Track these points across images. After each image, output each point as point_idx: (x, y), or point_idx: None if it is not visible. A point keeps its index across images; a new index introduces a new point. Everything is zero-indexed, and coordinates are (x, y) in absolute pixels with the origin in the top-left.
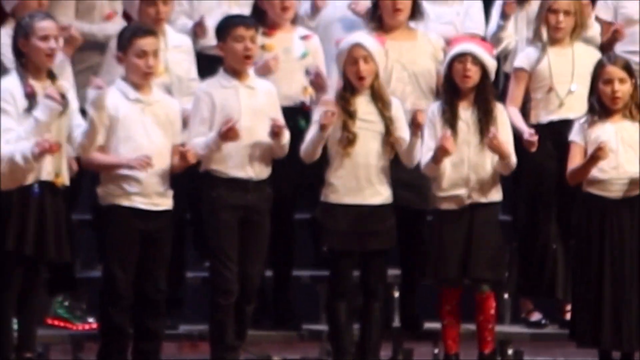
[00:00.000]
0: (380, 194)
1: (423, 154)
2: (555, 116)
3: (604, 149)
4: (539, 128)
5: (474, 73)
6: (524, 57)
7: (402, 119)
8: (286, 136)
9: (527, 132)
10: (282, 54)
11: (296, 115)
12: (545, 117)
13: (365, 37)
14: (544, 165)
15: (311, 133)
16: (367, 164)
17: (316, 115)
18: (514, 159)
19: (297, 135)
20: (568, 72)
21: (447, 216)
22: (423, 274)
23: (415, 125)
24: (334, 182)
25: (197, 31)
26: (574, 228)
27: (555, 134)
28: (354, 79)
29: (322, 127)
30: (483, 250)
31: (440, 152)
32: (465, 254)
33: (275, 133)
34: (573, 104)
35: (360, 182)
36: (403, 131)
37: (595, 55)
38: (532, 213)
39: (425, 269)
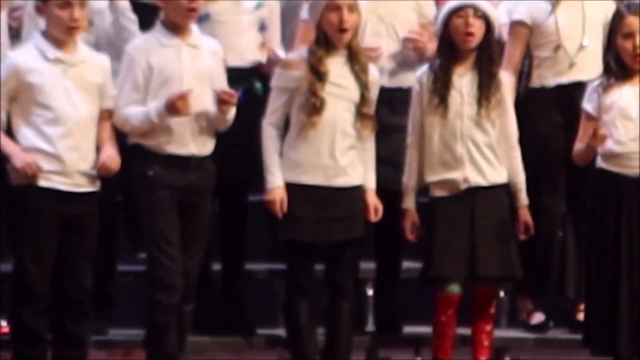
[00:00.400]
0: (347, 174)
1: (409, 132)
2: (565, 78)
3: (598, 135)
4: (544, 92)
5: (477, 29)
6: (524, 8)
7: (375, 94)
8: (233, 110)
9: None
10: (231, 5)
11: (251, 77)
12: (552, 80)
13: None
14: (550, 137)
15: (271, 111)
16: (334, 138)
17: (276, 80)
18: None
19: (253, 100)
20: (578, 24)
21: (442, 204)
22: (421, 278)
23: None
24: (293, 156)
25: None
26: (586, 212)
27: (564, 100)
28: (333, 31)
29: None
30: (489, 242)
31: None
32: (468, 249)
33: (224, 102)
34: (585, 64)
35: (323, 158)
36: (371, 107)
37: (608, 3)
38: (535, 194)
39: (422, 269)
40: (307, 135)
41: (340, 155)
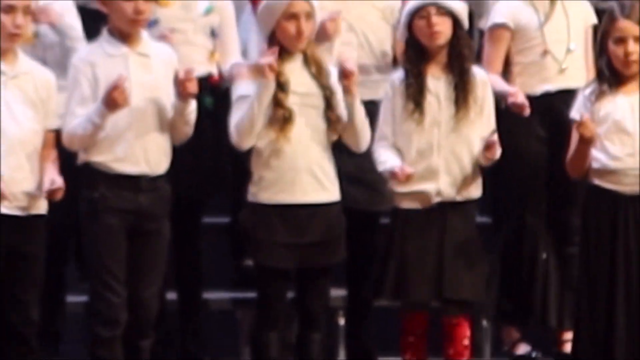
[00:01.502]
0: (326, 188)
1: (377, 143)
2: (553, 85)
3: (584, 123)
4: (527, 101)
5: (442, 26)
6: (505, 10)
7: (340, 95)
8: (193, 103)
9: (512, 92)
10: (181, 11)
11: (200, 91)
12: (539, 87)
13: None
14: (533, 151)
15: (240, 105)
16: (308, 150)
17: (238, 89)
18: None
19: (202, 116)
20: (563, 27)
21: (410, 218)
22: (379, 293)
23: (345, 78)
24: (266, 175)
25: None
26: (570, 233)
27: (549, 110)
28: (290, 40)
29: (266, 72)
30: (459, 262)
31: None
32: (435, 268)
33: (183, 83)
34: (573, 70)
35: (300, 174)
36: (339, 108)
37: (586, 5)
38: (516, 213)
39: (383, 286)
40: (280, 152)
41: (317, 168)
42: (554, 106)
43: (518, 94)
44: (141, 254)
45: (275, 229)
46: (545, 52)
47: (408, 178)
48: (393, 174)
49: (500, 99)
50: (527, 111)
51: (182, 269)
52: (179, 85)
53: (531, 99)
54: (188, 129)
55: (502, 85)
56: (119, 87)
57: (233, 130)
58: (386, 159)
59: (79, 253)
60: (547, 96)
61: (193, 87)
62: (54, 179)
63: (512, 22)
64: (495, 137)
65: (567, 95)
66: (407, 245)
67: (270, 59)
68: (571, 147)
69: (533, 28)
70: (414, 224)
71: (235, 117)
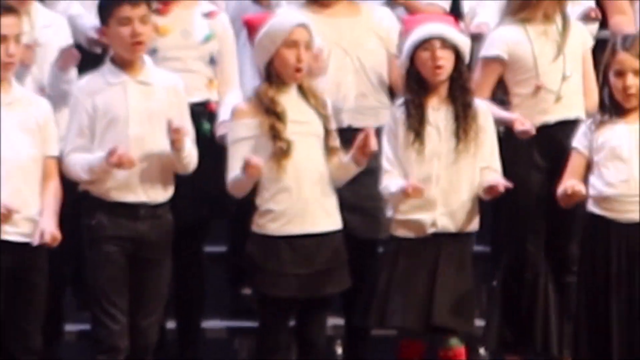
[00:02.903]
0: (331, 217)
1: (383, 170)
2: (552, 116)
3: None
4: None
5: (446, 60)
6: (501, 43)
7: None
8: (186, 147)
9: (518, 121)
10: (180, 37)
11: (199, 117)
12: (537, 118)
13: (305, 17)
14: (531, 180)
15: (236, 151)
16: (312, 177)
17: (231, 134)
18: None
19: (201, 143)
20: (558, 58)
21: (404, 246)
22: (364, 320)
23: (360, 151)
24: (273, 207)
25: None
26: (568, 261)
27: (547, 140)
28: (288, 69)
29: (249, 176)
30: (449, 292)
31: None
32: (425, 297)
33: (171, 139)
34: (571, 98)
35: (307, 203)
36: (336, 139)
37: (583, 30)
38: (517, 242)
39: (369, 312)
40: (283, 182)
41: (320, 195)
42: (553, 137)
43: (522, 121)
44: (141, 283)
45: (284, 260)
46: (538, 88)
47: (418, 193)
48: (404, 191)
49: (498, 125)
50: (533, 132)
51: (182, 297)
52: (169, 136)
53: None
54: (187, 168)
55: (500, 112)
56: (122, 157)
57: (228, 184)
58: (390, 182)
59: (76, 280)
60: (546, 127)
61: (179, 143)
62: (44, 230)
63: (507, 53)
64: (496, 179)
65: (566, 126)
66: (397, 272)
67: (257, 160)
68: (567, 175)
69: (528, 61)
70: (407, 252)
71: (230, 174)
